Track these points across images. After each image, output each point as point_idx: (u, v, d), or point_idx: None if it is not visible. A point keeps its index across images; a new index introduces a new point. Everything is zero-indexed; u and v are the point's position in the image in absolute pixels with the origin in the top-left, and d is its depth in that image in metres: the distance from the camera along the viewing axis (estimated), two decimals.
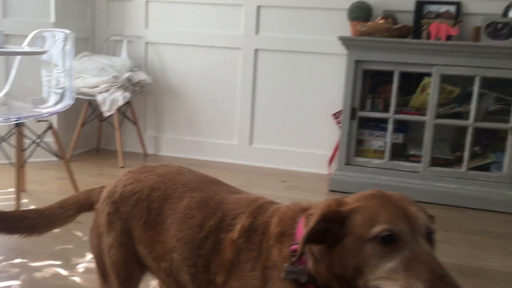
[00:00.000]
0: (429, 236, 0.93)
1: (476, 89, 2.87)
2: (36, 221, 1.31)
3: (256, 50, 3.56)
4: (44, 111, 2.50)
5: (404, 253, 0.88)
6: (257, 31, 3.53)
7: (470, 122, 2.91)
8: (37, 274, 1.83)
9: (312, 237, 0.94)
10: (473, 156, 3.03)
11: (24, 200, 2.61)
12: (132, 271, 1.25)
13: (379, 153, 3.15)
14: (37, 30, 2.70)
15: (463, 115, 3.02)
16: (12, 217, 1.32)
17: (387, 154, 3.07)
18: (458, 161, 3.06)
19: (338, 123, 3.35)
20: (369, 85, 3.19)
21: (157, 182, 1.22)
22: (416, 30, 3.08)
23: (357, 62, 3.01)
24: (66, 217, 1.34)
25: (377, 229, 0.90)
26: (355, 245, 0.92)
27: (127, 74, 3.40)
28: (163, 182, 1.22)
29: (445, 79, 2.97)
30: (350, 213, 0.95)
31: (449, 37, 2.93)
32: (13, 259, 1.94)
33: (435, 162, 3.04)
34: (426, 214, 0.95)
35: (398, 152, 3.22)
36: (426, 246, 0.89)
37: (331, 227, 0.95)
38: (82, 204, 1.34)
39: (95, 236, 1.29)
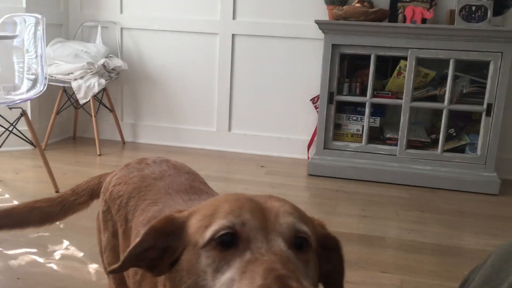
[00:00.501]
0: (300, 244, 0.68)
1: (450, 72, 2.91)
2: (48, 210, 1.25)
3: (233, 35, 3.54)
4: (17, 97, 2.45)
5: (245, 256, 0.64)
6: (234, 16, 3.51)
7: (445, 104, 2.95)
8: (13, 262, 1.80)
9: (140, 259, 0.72)
10: (448, 138, 3.08)
11: None
12: (126, 277, 1.12)
13: (356, 137, 3.17)
14: (7, 15, 2.64)
15: (439, 98, 3.06)
16: (21, 210, 1.25)
17: (364, 137, 3.10)
18: (433, 144, 3.10)
19: (316, 107, 3.36)
20: (346, 69, 3.21)
21: (135, 188, 1.10)
22: (392, 14, 3.09)
23: (334, 46, 3.01)
24: (79, 203, 1.27)
25: (212, 228, 0.67)
26: (191, 258, 0.69)
27: (102, 61, 3.35)
28: (139, 189, 1.10)
29: (421, 62, 3.00)
30: (188, 217, 0.73)
31: (424, 20, 2.96)
32: None
33: (411, 144, 3.09)
34: (303, 219, 0.70)
35: (375, 136, 3.25)
36: (281, 247, 0.65)
37: (169, 244, 0.72)
38: (95, 190, 1.26)
39: (96, 229, 1.23)
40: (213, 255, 0.65)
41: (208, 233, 0.66)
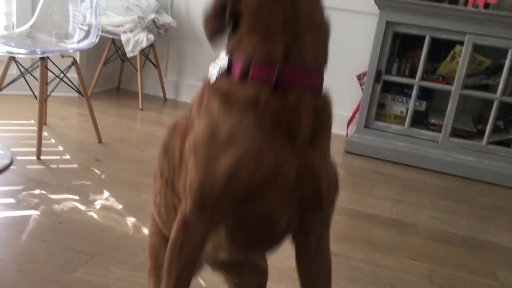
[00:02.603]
0: None
1: (508, 62, 2.78)
2: None
3: None
4: (70, 46, 2.49)
5: None
6: None
7: (497, 95, 2.85)
8: (56, 206, 1.88)
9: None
10: (495, 130, 2.98)
11: (45, 133, 2.66)
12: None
13: (399, 119, 3.11)
14: None
15: (491, 88, 2.95)
16: None
17: (407, 120, 3.04)
18: (479, 134, 3.02)
19: (361, 84, 3.30)
20: (398, 48, 3.12)
21: None
22: None
23: (388, 24, 2.92)
24: None
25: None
26: None
27: (152, 16, 3.35)
28: None
29: (477, 49, 2.88)
30: None
31: (487, 5, 2.82)
32: (33, 189, 2.00)
33: (456, 133, 3.01)
34: None
35: (419, 120, 3.18)
36: None
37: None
38: None
39: None
40: None
41: None
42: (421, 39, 2.95)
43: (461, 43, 2.86)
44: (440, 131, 3.00)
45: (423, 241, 2.06)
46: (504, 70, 2.80)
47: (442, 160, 2.96)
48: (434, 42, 2.95)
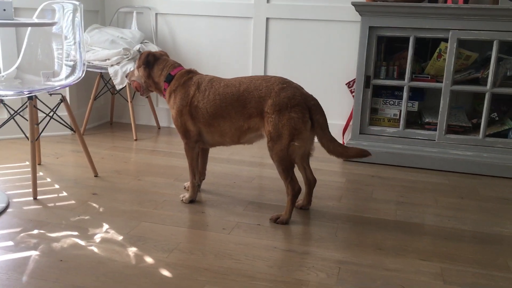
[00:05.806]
0: None
1: (494, 53, 2.79)
2: None
3: (268, 19, 3.49)
4: (56, 84, 2.50)
5: None
6: None
7: (487, 88, 2.85)
8: (55, 245, 1.85)
9: None
10: (490, 122, 2.98)
11: (40, 173, 2.64)
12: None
13: (393, 122, 3.11)
14: (46, 2, 2.68)
15: (481, 81, 2.95)
16: None
17: (401, 122, 3.03)
18: (475, 128, 3.01)
19: (352, 91, 3.30)
20: (383, 52, 3.13)
21: None
22: None
23: (371, 29, 2.94)
24: None
25: None
26: None
27: (137, 46, 3.37)
28: None
29: (462, 44, 2.90)
30: None
31: (466, 0, 2.85)
32: (31, 230, 1.97)
33: (451, 129, 3.00)
34: None
35: (413, 120, 3.17)
36: None
37: None
38: None
39: None
40: None
41: None
42: (405, 40, 2.97)
43: (446, 40, 2.87)
44: (435, 130, 2.99)
45: (431, 240, 2.03)
46: (492, 62, 2.80)
47: (440, 158, 2.94)
48: (419, 41, 2.97)
